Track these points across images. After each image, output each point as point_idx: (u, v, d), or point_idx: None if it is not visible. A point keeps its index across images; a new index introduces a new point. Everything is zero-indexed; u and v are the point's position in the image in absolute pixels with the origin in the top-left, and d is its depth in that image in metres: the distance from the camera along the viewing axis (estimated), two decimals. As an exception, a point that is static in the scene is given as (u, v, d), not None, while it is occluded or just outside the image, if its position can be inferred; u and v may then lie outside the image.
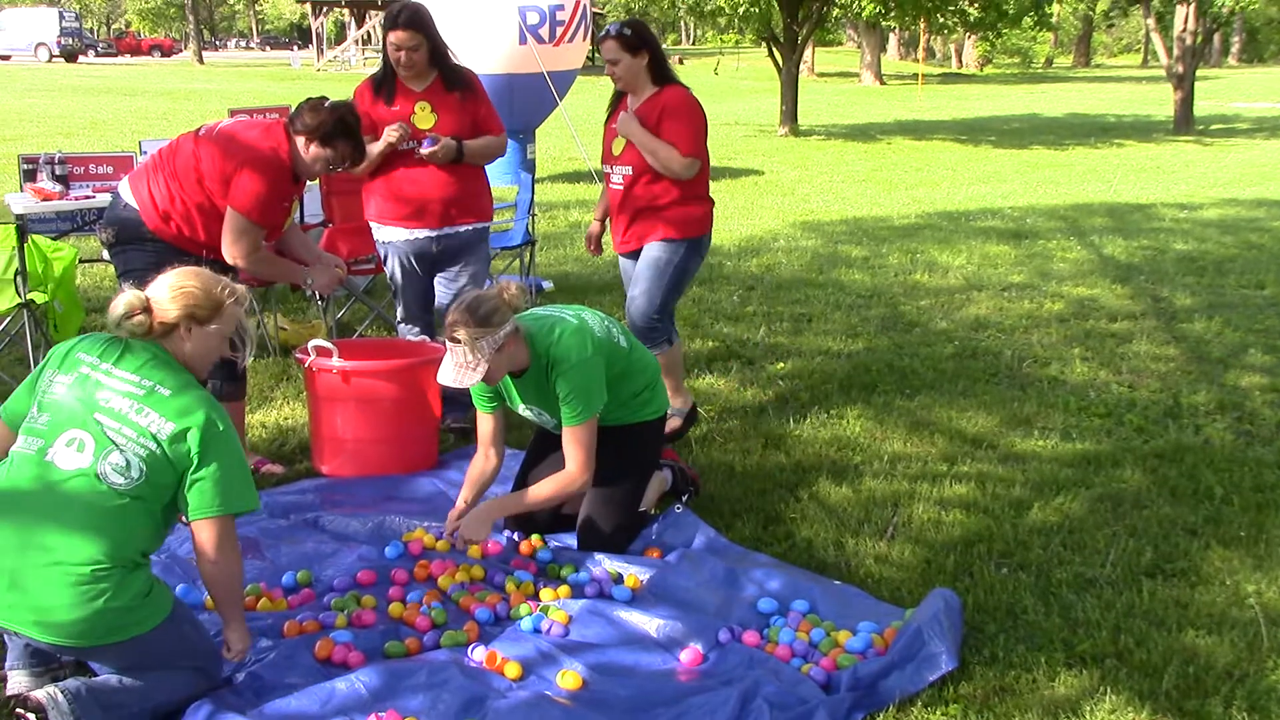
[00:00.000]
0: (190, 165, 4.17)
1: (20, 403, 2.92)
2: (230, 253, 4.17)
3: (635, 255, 5.03)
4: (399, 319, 5.16)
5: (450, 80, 4.90)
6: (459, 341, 3.51)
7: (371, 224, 5.04)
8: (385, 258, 5.06)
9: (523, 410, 3.92)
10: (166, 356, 2.87)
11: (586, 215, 4.90)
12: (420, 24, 4.77)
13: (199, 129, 4.29)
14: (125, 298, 2.84)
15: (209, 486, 2.78)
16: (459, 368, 3.53)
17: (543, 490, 3.77)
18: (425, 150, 4.76)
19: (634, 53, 4.77)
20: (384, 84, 4.89)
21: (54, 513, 2.68)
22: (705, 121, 4.88)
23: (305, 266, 4.55)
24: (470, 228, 4.98)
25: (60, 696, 2.61)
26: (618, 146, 4.93)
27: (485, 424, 3.91)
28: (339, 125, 4.16)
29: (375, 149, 4.76)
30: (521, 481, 4.08)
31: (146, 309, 2.85)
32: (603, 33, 4.83)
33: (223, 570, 2.86)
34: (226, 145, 4.16)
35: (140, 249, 4.23)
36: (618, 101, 5.00)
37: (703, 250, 5.05)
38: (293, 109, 4.26)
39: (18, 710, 2.62)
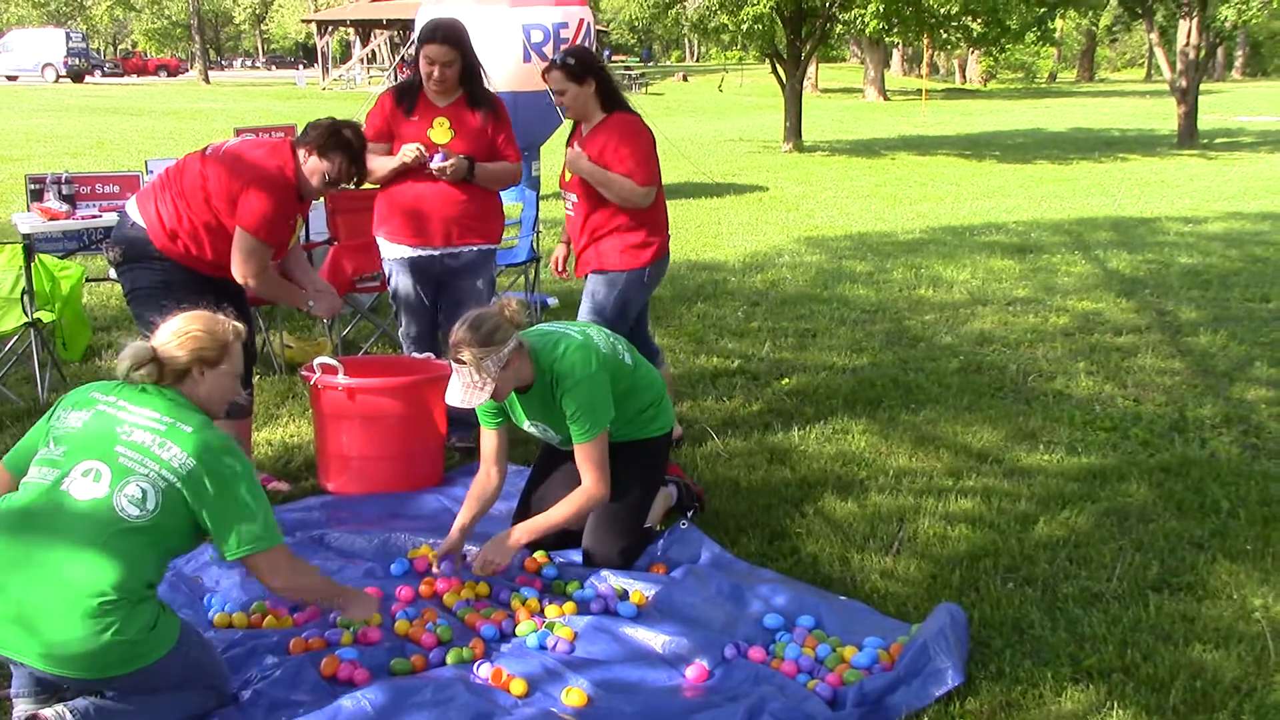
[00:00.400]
0: (197, 184, 4.18)
1: (23, 453, 2.94)
2: (240, 272, 4.19)
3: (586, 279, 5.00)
4: (405, 336, 5.15)
5: (474, 101, 4.90)
6: (464, 362, 3.51)
7: (378, 239, 5.04)
8: (390, 274, 5.06)
9: (527, 426, 3.92)
10: (184, 400, 2.89)
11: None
12: (457, 40, 4.80)
13: (205, 148, 4.31)
14: (131, 350, 2.87)
15: (249, 523, 2.83)
16: (466, 388, 3.54)
17: (563, 510, 3.75)
18: (435, 164, 4.75)
19: (580, 81, 4.73)
20: (407, 94, 4.90)
21: (65, 543, 2.68)
22: (654, 144, 4.85)
23: (305, 291, 4.54)
24: (475, 249, 4.96)
25: (69, 716, 2.61)
26: (569, 173, 4.89)
27: (489, 440, 3.91)
28: (336, 138, 4.16)
29: (390, 164, 4.78)
30: (526, 498, 4.08)
31: (154, 359, 2.87)
32: (546, 65, 4.79)
33: (299, 586, 3.03)
34: (233, 164, 4.18)
35: (148, 267, 4.24)
36: (576, 127, 4.97)
37: (647, 279, 4.98)
38: (299, 129, 4.28)
39: None
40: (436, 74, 4.75)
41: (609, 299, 4.86)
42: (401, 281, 4.99)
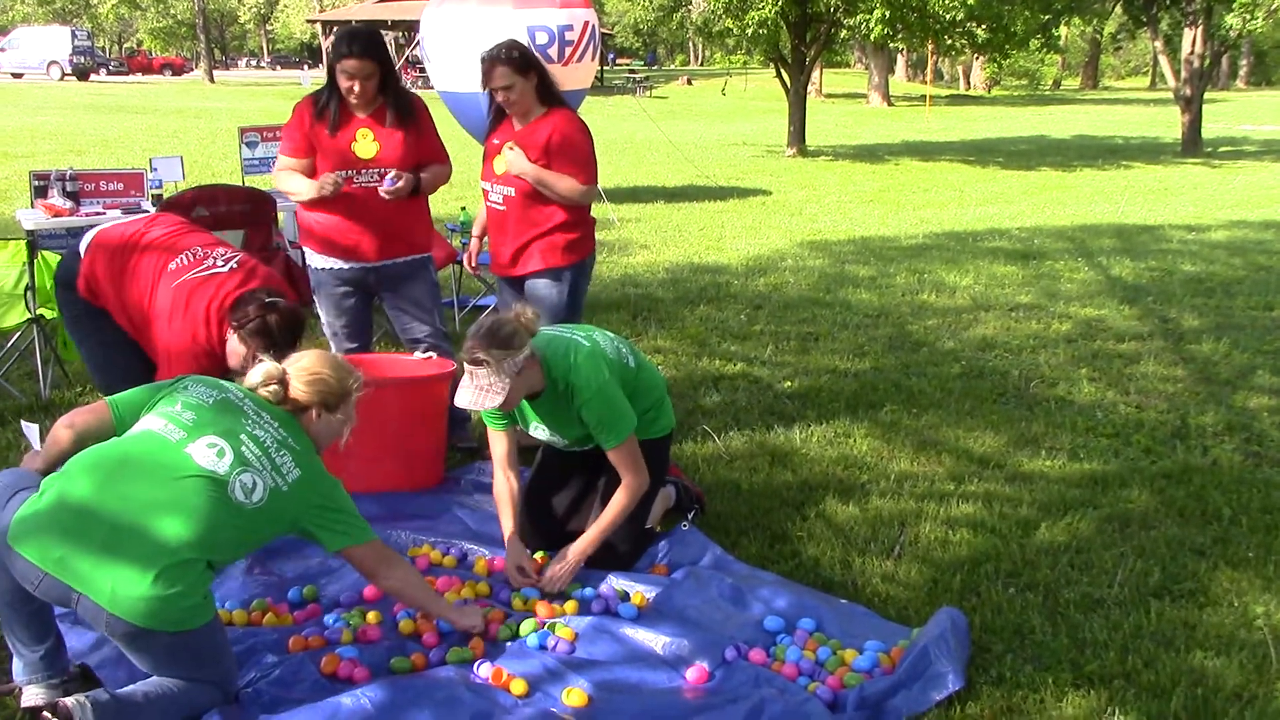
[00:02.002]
0: (147, 283, 4.07)
1: (134, 403, 3.07)
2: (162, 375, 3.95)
3: (515, 280, 4.93)
4: (330, 329, 4.97)
5: (396, 109, 4.68)
6: (482, 364, 3.50)
7: (305, 250, 4.90)
8: (316, 287, 4.90)
9: (534, 430, 3.92)
10: (298, 425, 3.09)
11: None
12: (376, 52, 4.58)
13: (168, 262, 4.11)
14: (264, 368, 3.10)
15: (348, 520, 3.07)
16: (479, 390, 3.53)
17: (611, 513, 3.77)
18: (386, 188, 4.58)
19: (524, 74, 4.65)
20: (326, 106, 4.65)
21: (172, 499, 2.79)
22: (593, 142, 4.81)
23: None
24: (406, 260, 4.82)
25: (89, 706, 2.63)
26: (500, 165, 4.81)
27: (501, 443, 3.89)
28: (259, 325, 3.83)
29: (310, 192, 4.60)
30: (532, 498, 4.07)
31: (282, 382, 3.05)
32: (487, 59, 4.65)
33: (402, 578, 3.19)
34: (175, 307, 3.99)
35: (68, 299, 4.26)
36: (501, 117, 4.87)
37: (588, 269, 4.99)
38: (237, 302, 3.96)
39: (45, 715, 2.64)
40: (357, 89, 4.54)
41: (562, 296, 4.82)
42: (330, 292, 4.85)
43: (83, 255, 4.21)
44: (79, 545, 2.70)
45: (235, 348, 3.89)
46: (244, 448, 2.90)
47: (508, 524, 3.82)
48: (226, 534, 2.85)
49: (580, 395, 3.68)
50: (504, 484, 3.87)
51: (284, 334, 3.85)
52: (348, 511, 3.08)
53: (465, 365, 3.56)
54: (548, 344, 3.76)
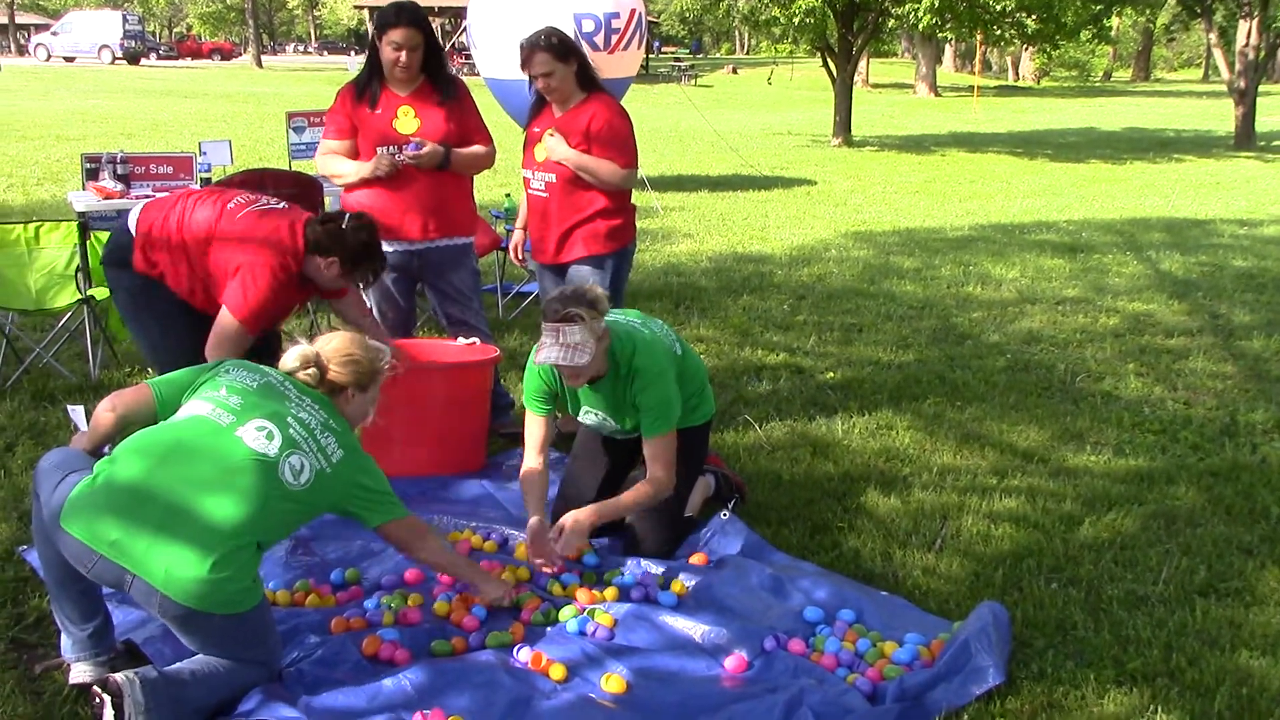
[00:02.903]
0: (202, 240, 4.05)
1: (176, 385, 3.12)
2: (210, 355, 3.91)
3: (558, 268, 4.93)
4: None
5: (438, 86, 4.74)
6: (574, 319, 3.51)
7: None
8: None
9: (583, 415, 3.91)
10: (334, 407, 3.14)
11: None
12: (422, 23, 4.63)
13: (226, 198, 4.17)
14: (299, 350, 3.14)
15: (387, 498, 3.12)
16: (568, 348, 3.51)
17: (630, 498, 3.75)
18: (409, 153, 4.63)
19: (565, 60, 4.64)
20: (368, 86, 4.72)
21: (222, 482, 2.82)
22: (632, 127, 4.80)
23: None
24: (449, 242, 4.84)
25: (138, 683, 2.67)
26: (541, 152, 4.80)
27: (539, 427, 3.89)
28: (363, 250, 4.00)
29: (360, 172, 4.66)
30: (567, 482, 4.07)
31: (319, 364, 3.11)
32: (526, 46, 4.63)
33: (436, 548, 3.27)
34: (241, 239, 4.01)
35: (120, 276, 4.23)
36: (542, 105, 4.87)
37: (630, 256, 4.99)
38: (310, 220, 4.06)
39: (95, 689, 2.68)
40: (404, 59, 4.57)
41: (604, 283, 4.80)
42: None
43: (133, 228, 4.18)
44: (133, 528, 2.74)
45: (337, 273, 4.02)
46: (291, 430, 2.94)
47: (534, 510, 3.76)
48: (276, 515, 2.88)
49: (642, 379, 3.68)
50: (535, 470, 3.84)
51: (377, 242, 4.06)
52: (384, 490, 3.12)
53: (550, 324, 3.54)
54: (610, 328, 3.76)
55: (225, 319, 3.99)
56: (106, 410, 3.10)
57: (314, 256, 4.01)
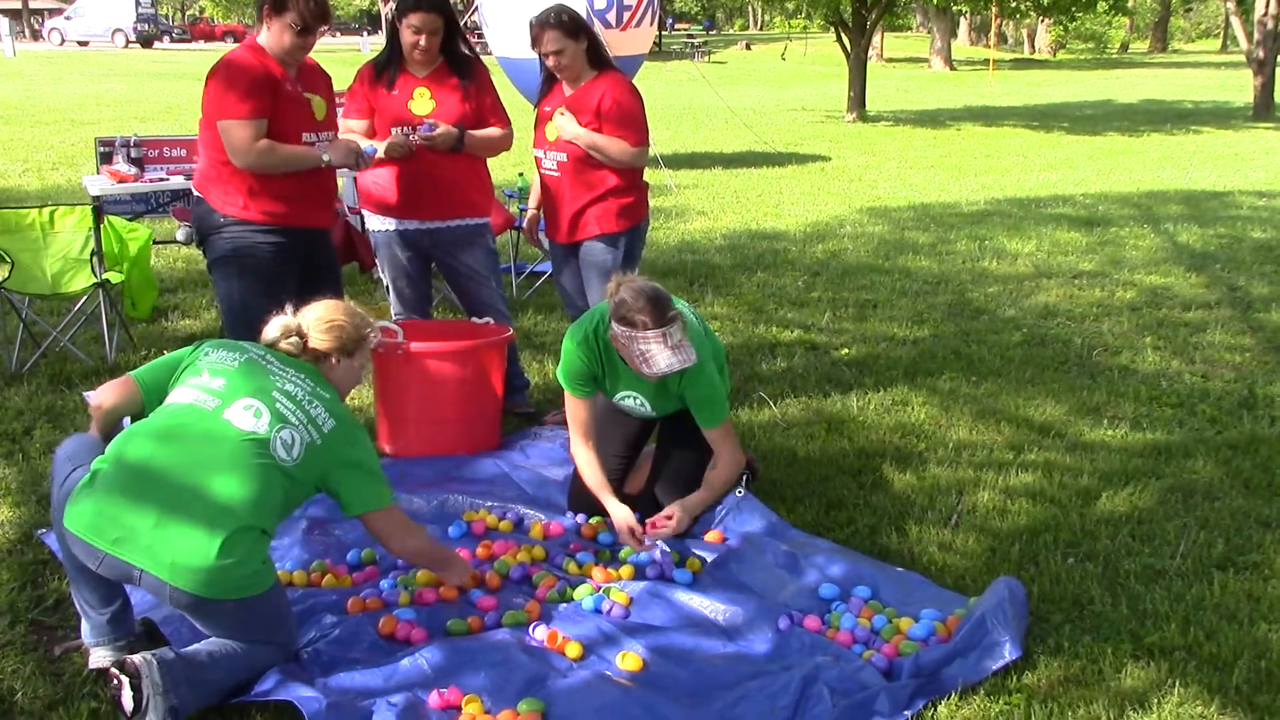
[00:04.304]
0: (202, 126, 4.25)
1: (159, 375, 3.11)
2: (239, 164, 4.16)
3: (571, 246, 4.91)
4: (394, 312, 5.05)
5: (455, 68, 4.74)
6: (675, 320, 3.50)
7: (364, 213, 4.97)
8: (377, 248, 4.97)
9: (619, 398, 3.91)
10: (320, 375, 3.12)
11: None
12: (442, 7, 4.63)
13: None
14: (281, 321, 3.13)
15: (373, 483, 3.06)
16: (675, 350, 3.49)
17: (714, 486, 3.84)
18: (422, 134, 4.62)
19: (575, 38, 4.61)
20: (386, 68, 4.74)
21: (220, 464, 2.82)
22: (643, 104, 4.77)
23: (314, 146, 4.33)
24: (462, 223, 4.84)
25: (155, 664, 2.69)
26: (552, 131, 4.78)
27: (584, 410, 3.85)
28: None
29: (377, 153, 4.64)
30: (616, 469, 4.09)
31: (300, 333, 3.09)
32: (536, 24, 4.61)
33: (412, 545, 3.22)
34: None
35: (217, 237, 4.30)
36: (553, 83, 4.84)
37: (642, 234, 4.97)
38: None
39: (113, 670, 2.70)
40: (423, 43, 4.58)
41: (617, 261, 4.79)
42: (391, 252, 4.90)
43: (198, 193, 4.36)
44: (135, 523, 2.75)
45: (278, 26, 4.12)
46: (278, 404, 2.93)
47: (612, 497, 3.79)
48: (276, 493, 2.87)
49: (689, 372, 3.66)
50: (588, 458, 3.82)
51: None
52: (374, 468, 3.07)
53: (656, 331, 3.46)
54: None
55: (221, 130, 4.14)
56: (94, 406, 3.11)
57: (262, 27, 4.14)
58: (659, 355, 3.48)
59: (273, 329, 3.12)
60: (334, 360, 3.15)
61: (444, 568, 3.37)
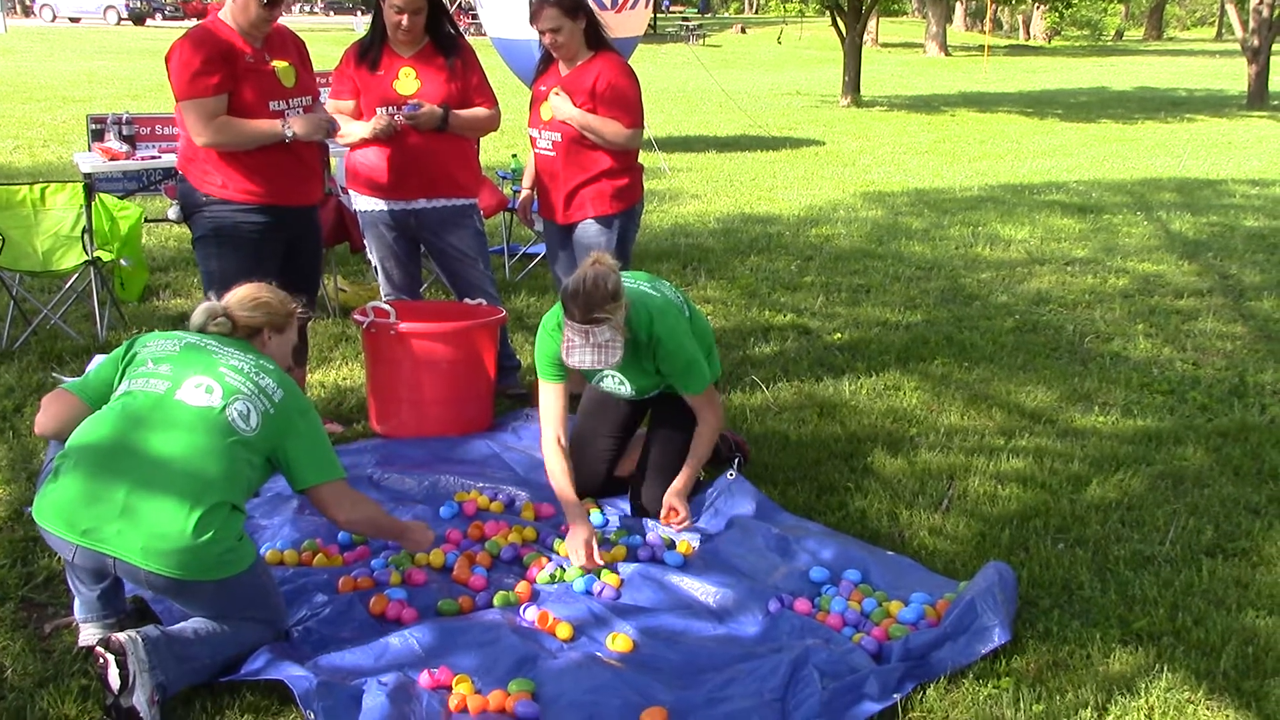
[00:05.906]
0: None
1: (101, 380, 3.06)
2: (200, 142, 4.15)
3: (566, 228, 4.90)
4: (383, 294, 5.04)
5: (441, 47, 4.71)
6: (602, 321, 3.45)
7: (351, 194, 4.95)
8: (364, 229, 4.96)
9: (598, 379, 3.90)
10: (255, 350, 3.13)
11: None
12: None
13: None
14: (205, 307, 3.13)
15: (321, 456, 3.05)
16: (600, 348, 3.48)
17: (698, 453, 3.84)
18: (406, 113, 4.60)
19: (573, 17, 4.61)
20: (370, 48, 4.71)
21: (180, 445, 2.82)
22: (639, 87, 4.76)
23: (279, 119, 4.23)
24: (447, 203, 4.81)
25: (140, 642, 2.69)
26: (547, 111, 4.77)
27: (556, 397, 3.78)
28: None
29: (360, 132, 4.64)
30: (575, 444, 4.05)
31: (227, 314, 3.10)
32: (535, 2, 4.60)
33: (360, 519, 3.19)
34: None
35: (199, 216, 4.28)
36: (548, 63, 4.84)
37: (637, 216, 4.96)
38: None
39: (98, 649, 2.69)
40: (405, 22, 4.55)
41: (611, 243, 4.78)
42: (378, 233, 4.88)
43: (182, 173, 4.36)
44: (102, 513, 2.74)
45: (238, 4, 4.15)
46: (228, 379, 2.93)
47: (570, 500, 3.64)
48: (240, 467, 2.87)
49: (664, 346, 3.68)
50: (557, 451, 3.71)
51: None
52: (325, 443, 3.07)
53: (578, 326, 3.46)
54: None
55: (181, 110, 4.18)
56: (39, 430, 3.07)
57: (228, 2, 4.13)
58: (577, 349, 3.51)
59: (199, 315, 3.13)
60: (266, 336, 3.18)
61: (400, 537, 3.33)
